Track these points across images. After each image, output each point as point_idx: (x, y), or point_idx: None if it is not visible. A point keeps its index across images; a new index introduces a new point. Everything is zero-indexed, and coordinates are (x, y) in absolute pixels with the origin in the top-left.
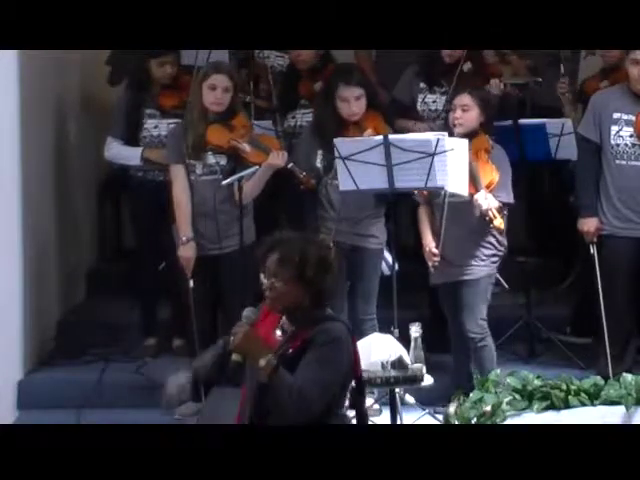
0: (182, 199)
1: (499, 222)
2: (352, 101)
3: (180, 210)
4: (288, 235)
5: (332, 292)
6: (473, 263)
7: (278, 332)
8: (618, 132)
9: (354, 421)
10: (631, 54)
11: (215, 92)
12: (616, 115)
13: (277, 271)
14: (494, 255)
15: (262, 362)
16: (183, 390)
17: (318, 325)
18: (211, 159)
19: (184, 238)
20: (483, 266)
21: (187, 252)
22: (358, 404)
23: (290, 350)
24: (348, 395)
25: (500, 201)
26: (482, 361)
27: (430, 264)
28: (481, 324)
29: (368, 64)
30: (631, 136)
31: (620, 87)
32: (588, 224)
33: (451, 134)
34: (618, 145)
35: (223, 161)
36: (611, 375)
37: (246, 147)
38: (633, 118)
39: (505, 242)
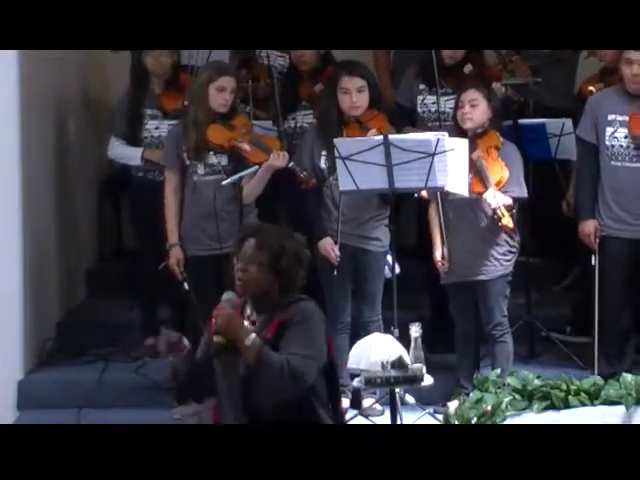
0: (171, 205)
1: (507, 220)
2: (353, 92)
3: (169, 216)
4: (266, 225)
5: (300, 287)
6: (487, 263)
7: (246, 323)
8: (613, 133)
9: (354, 421)
10: (625, 54)
11: (223, 94)
12: (611, 116)
13: (253, 255)
14: (508, 252)
15: (247, 342)
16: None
17: (292, 306)
18: (213, 159)
19: (167, 245)
20: (497, 265)
21: (172, 258)
22: (331, 388)
23: (268, 335)
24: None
25: (512, 196)
26: (498, 355)
27: (441, 271)
28: (501, 321)
29: (384, 63)
30: (625, 137)
31: (615, 88)
32: (588, 226)
33: (459, 132)
34: (613, 146)
35: (224, 161)
36: (596, 371)
37: (246, 147)
38: (627, 119)
39: (518, 239)
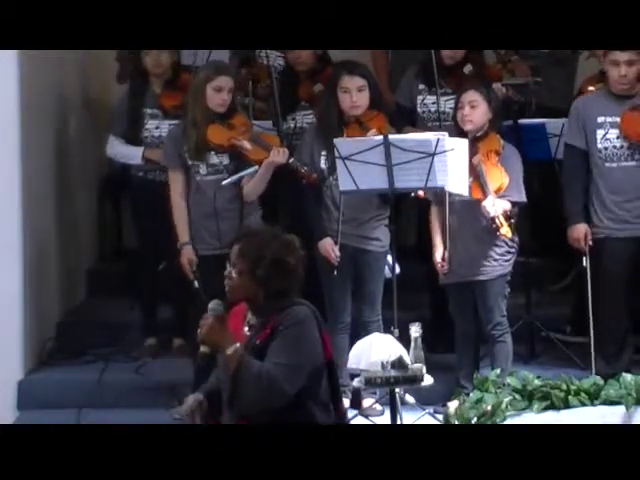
0: (179, 204)
1: (506, 230)
2: (354, 91)
3: (178, 215)
4: (257, 230)
5: (293, 292)
6: (486, 263)
7: (246, 329)
8: (605, 135)
9: (354, 421)
10: (610, 55)
11: (221, 94)
12: (600, 119)
13: (235, 262)
14: (507, 253)
15: (229, 351)
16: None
17: (285, 311)
18: (214, 159)
19: (178, 244)
20: (496, 266)
21: (183, 257)
22: (332, 388)
23: (258, 341)
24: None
25: (511, 201)
26: (498, 355)
27: (440, 273)
28: (501, 321)
29: (383, 63)
30: (617, 137)
31: (601, 91)
32: (578, 231)
33: (459, 132)
34: (606, 148)
35: (226, 160)
36: (593, 371)
37: (247, 145)
38: (617, 120)
39: (517, 239)
